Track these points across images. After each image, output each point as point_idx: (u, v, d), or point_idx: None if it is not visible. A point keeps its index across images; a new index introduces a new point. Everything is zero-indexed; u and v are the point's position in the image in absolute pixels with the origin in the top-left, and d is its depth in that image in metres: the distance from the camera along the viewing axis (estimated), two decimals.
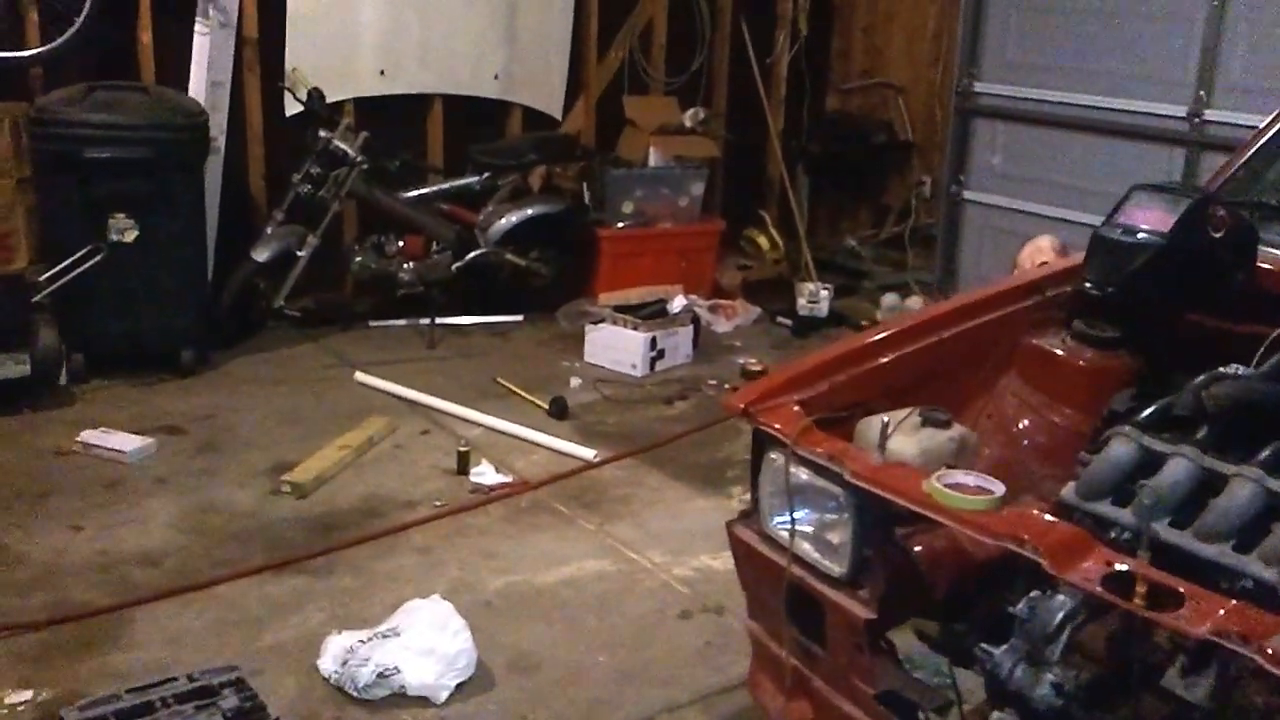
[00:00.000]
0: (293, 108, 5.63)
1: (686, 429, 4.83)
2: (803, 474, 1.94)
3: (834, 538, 1.94)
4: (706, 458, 4.61)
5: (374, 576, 3.60)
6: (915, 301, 6.46)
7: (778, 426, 1.97)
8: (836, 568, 1.94)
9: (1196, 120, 5.59)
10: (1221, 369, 2.02)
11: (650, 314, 5.56)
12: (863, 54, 7.57)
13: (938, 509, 1.73)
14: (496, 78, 6.33)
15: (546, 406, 4.91)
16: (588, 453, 4.50)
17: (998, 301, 2.37)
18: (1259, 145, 2.73)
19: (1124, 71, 5.85)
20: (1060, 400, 2.30)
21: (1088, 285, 2.28)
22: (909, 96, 7.31)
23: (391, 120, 5.98)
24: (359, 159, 5.52)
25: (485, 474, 4.28)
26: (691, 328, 5.62)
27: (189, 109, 5.05)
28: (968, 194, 6.63)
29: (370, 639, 3.05)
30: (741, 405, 2.03)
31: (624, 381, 5.35)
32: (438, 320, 5.76)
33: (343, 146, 5.49)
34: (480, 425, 4.74)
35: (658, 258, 6.25)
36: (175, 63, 5.40)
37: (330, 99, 5.58)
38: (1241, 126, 5.39)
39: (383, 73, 5.98)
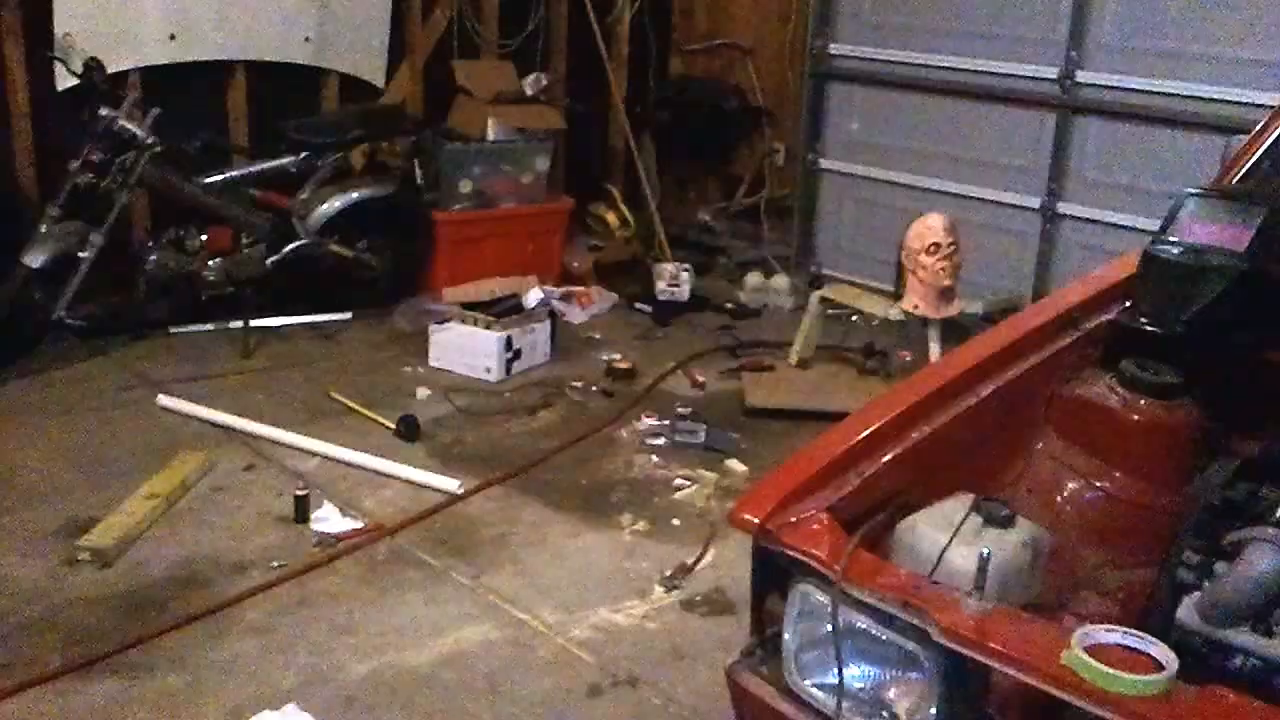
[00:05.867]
0: (66, 81, 4.79)
1: (558, 444, 4.26)
2: (857, 619, 1.40)
3: (901, 705, 1.41)
4: (586, 478, 4.05)
5: (204, 671, 2.92)
6: (780, 280, 6.03)
7: (813, 552, 1.42)
8: None
9: (1068, 83, 5.38)
10: None
11: (503, 310, 4.94)
12: (706, 12, 7.03)
13: (1092, 695, 1.22)
14: (308, 40, 5.58)
15: (394, 426, 4.26)
16: (451, 483, 3.87)
17: (1027, 343, 1.88)
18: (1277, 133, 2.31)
19: (990, 31, 5.62)
20: (1112, 464, 1.83)
21: (1145, 321, 1.81)
22: (757, 58, 6.83)
23: (187, 94, 5.21)
24: (149, 140, 4.72)
25: (329, 519, 3.64)
26: (549, 323, 5.03)
27: None
28: (825, 163, 6.32)
29: None
30: (757, 522, 1.47)
31: (478, 389, 4.73)
32: (252, 323, 5.04)
33: (129, 126, 4.69)
34: (316, 455, 4.05)
35: (502, 242, 5.65)
36: None
37: (112, 69, 4.78)
38: (1116, 89, 5.20)
39: (173, 37, 5.18)
